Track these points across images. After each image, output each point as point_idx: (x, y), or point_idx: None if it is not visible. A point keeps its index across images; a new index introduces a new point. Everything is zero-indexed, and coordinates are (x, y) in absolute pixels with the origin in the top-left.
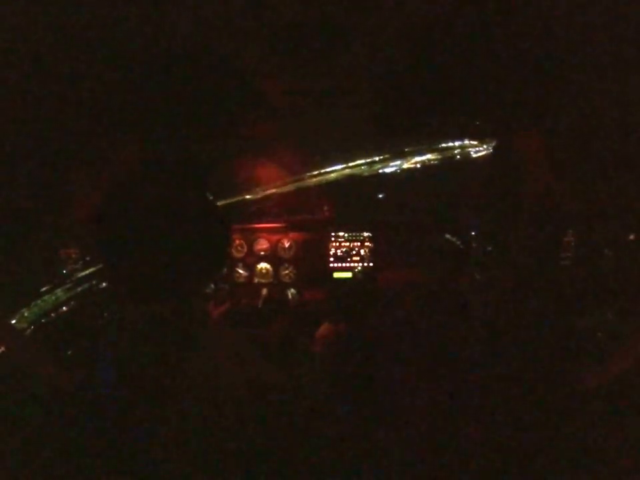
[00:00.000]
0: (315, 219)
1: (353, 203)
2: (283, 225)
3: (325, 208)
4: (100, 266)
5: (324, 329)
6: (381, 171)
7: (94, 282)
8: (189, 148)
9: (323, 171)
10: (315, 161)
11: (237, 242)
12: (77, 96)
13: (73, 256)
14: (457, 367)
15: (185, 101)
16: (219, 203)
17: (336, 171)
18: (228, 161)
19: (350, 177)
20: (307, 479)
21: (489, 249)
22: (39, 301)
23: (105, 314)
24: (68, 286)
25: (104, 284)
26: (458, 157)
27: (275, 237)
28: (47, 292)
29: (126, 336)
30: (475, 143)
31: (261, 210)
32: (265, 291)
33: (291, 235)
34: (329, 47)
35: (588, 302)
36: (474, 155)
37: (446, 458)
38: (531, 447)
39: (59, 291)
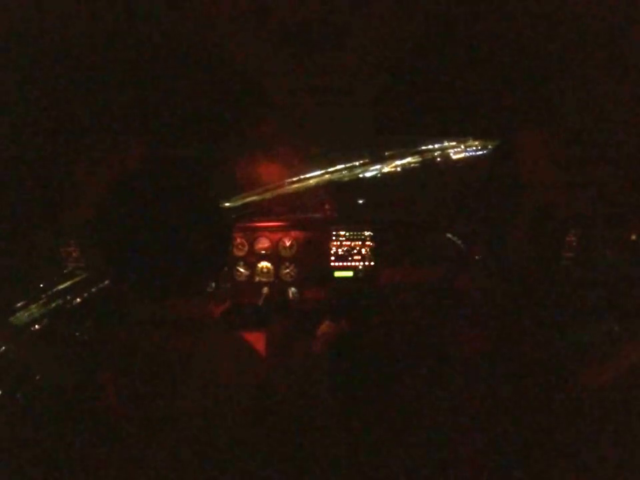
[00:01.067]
0: (317, 217)
1: (354, 202)
2: (284, 223)
3: (327, 206)
4: (76, 280)
5: (325, 327)
6: (361, 175)
7: (68, 297)
8: (192, 147)
9: (302, 177)
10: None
11: (238, 240)
12: (80, 94)
13: (74, 255)
14: (457, 365)
15: (187, 100)
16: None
17: (315, 177)
18: (228, 160)
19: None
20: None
21: (477, 257)
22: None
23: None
24: (43, 301)
25: (79, 299)
26: (438, 159)
27: (276, 236)
28: (20, 308)
29: (128, 335)
30: (454, 144)
31: (261, 208)
32: (265, 290)
33: (292, 233)
34: (331, 45)
35: (589, 303)
36: (454, 157)
37: (448, 458)
38: (532, 448)
39: (32, 307)
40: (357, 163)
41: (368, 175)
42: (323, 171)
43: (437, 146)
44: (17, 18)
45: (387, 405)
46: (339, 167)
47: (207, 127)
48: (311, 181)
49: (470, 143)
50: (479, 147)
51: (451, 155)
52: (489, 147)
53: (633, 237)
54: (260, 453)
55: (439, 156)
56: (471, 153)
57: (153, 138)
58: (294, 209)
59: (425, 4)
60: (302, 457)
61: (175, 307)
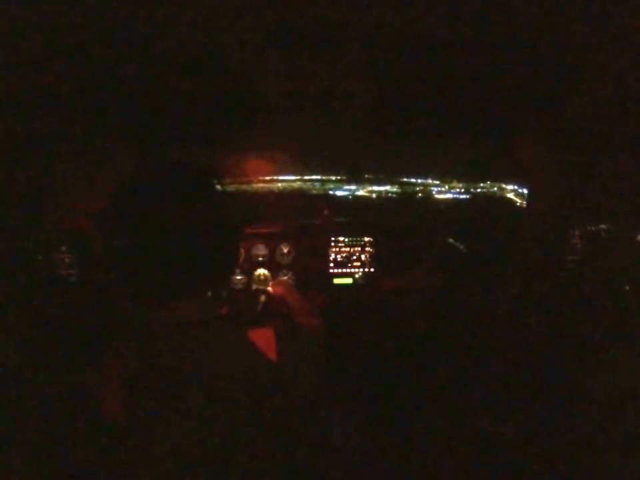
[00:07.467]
0: (315, 223)
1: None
2: (282, 229)
3: (325, 212)
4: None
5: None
6: (331, 192)
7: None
8: (196, 150)
9: (275, 177)
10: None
11: None
12: (73, 97)
13: (67, 260)
14: (460, 370)
15: (183, 103)
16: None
17: (287, 181)
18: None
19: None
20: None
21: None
22: None
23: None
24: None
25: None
26: (420, 194)
27: (273, 242)
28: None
29: (133, 338)
30: (438, 182)
31: (258, 214)
32: (263, 298)
33: (290, 240)
34: (327, 47)
35: (594, 304)
36: (436, 196)
37: (446, 463)
38: (536, 450)
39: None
40: (333, 178)
41: (339, 193)
42: (296, 177)
43: (419, 181)
44: (10, 20)
45: (388, 411)
46: (313, 177)
47: (202, 131)
48: (279, 185)
49: (454, 184)
50: (463, 190)
51: (434, 193)
52: (471, 190)
53: (639, 238)
54: (265, 451)
55: (420, 191)
56: (454, 195)
57: (147, 141)
58: (292, 214)
59: (422, 8)
60: (307, 458)
61: (179, 309)
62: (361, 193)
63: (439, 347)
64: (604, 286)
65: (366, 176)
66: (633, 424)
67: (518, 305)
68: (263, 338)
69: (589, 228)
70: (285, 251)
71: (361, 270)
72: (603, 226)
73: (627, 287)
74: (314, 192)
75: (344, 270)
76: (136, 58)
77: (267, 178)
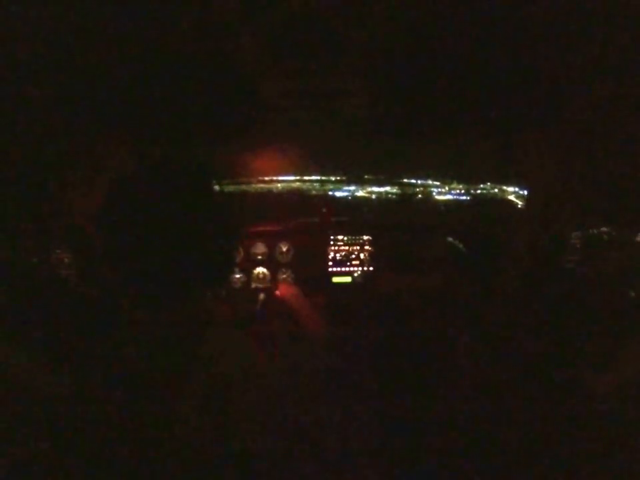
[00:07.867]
0: (314, 222)
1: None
2: (281, 228)
3: (324, 210)
4: None
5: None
6: (330, 193)
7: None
8: (195, 151)
9: (274, 178)
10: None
11: None
12: (72, 97)
13: (66, 261)
14: (458, 371)
15: (182, 102)
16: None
17: (287, 181)
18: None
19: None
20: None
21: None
22: None
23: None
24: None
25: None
26: (420, 195)
27: (272, 241)
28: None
29: (133, 338)
30: (438, 183)
31: (257, 213)
32: (262, 296)
33: (289, 238)
34: (327, 47)
35: (593, 307)
36: (437, 197)
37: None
38: (532, 454)
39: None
40: (332, 179)
41: (339, 194)
42: (295, 177)
43: (419, 182)
44: (9, 19)
45: (382, 409)
46: (312, 177)
47: (202, 130)
48: (279, 185)
49: (454, 185)
50: (463, 191)
51: (434, 194)
52: (471, 191)
53: (639, 238)
54: (265, 451)
55: (421, 192)
56: (455, 197)
57: (147, 141)
58: (291, 213)
59: (419, 8)
60: (306, 457)
61: (179, 310)
62: (360, 193)
63: (438, 346)
64: (604, 286)
65: (365, 177)
66: (632, 429)
67: (518, 305)
68: (263, 338)
69: (590, 231)
70: (284, 249)
71: (360, 268)
72: (604, 229)
73: (632, 292)
74: (314, 192)
75: (343, 268)
76: (136, 58)
77: (267, 178)
